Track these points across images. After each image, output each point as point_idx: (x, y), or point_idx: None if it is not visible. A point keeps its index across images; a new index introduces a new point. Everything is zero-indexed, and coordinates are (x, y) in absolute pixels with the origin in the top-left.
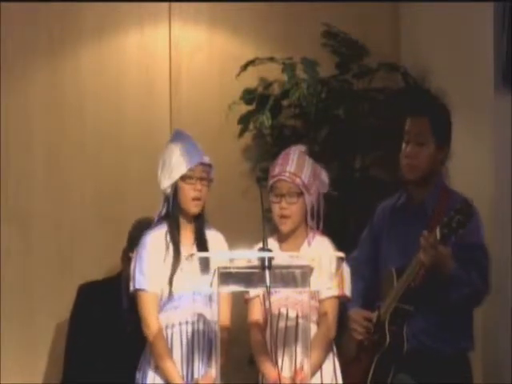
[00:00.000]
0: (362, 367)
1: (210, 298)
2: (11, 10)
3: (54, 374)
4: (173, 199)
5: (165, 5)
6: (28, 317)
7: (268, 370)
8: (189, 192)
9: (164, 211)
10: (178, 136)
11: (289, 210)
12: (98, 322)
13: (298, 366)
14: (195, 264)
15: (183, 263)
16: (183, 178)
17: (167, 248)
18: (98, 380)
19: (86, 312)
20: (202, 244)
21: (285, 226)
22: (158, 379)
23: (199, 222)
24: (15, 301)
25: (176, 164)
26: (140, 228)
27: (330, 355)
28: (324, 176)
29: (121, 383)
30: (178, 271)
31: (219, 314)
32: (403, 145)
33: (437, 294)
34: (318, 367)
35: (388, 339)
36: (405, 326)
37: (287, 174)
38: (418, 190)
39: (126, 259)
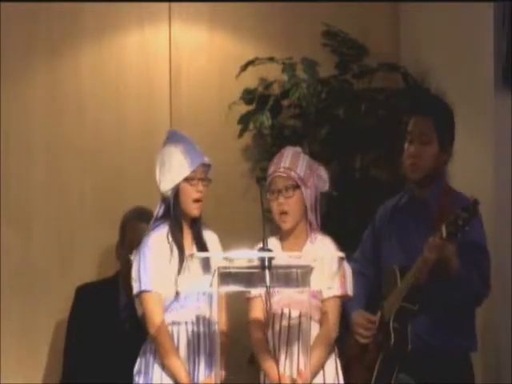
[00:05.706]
0: (366, 367)
1: (210, 299)
2: (11, 10)
3: (54, 373)
4: (174, 201)
5: (165, 5)
6: (28, 317)
7: (270, 367)
8: (191, 193)
9: (161, 212)
10: (174, 137)
11: (286, 204)
12: (96, 323)
13: (301, 366)
14: (198, 264)
15: (188, 263)
16: (185, 179)
17: (171, 249)
18: (98, 380)
19: (84, 313)
20: (201, 244)
21: (285, 224)
22: (166, 378)
23: (197, 223)
24: (15, 301)
25: (178, 165)
26: (132, 217)
27: (332, 355)
28: (322, 172)
29: (120, 383)
30: (183, 271)
31: (219, 315)
32: (406, 145)
33: (438, 293)
34: (319, 367)
35: (393, 339)
36: (409, 325)
37: (282, 170)
38: (420, 189)
39: (120, 255)
